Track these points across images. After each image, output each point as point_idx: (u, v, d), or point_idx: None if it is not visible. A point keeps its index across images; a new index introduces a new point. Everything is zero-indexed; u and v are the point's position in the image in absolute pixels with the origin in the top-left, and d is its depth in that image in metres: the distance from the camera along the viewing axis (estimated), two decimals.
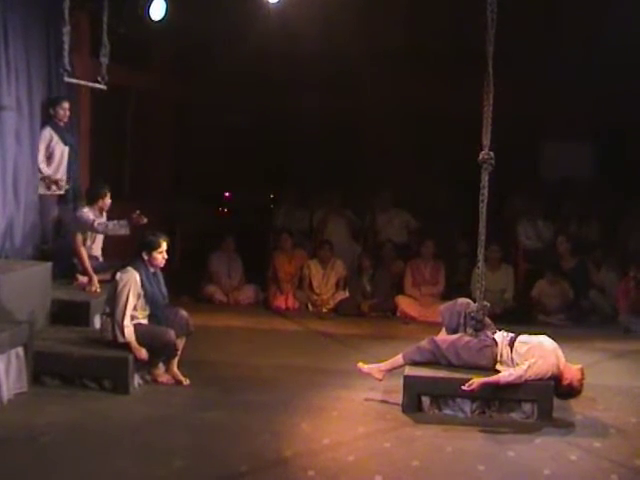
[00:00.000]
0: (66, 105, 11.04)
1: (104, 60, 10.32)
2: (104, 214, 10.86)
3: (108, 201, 10.84)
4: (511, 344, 8.25)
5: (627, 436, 7.73)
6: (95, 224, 10.53)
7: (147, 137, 14.84)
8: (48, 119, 10.96)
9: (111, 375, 8.44)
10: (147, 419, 7.72)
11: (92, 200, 10.78)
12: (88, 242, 10.70)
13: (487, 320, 8.55)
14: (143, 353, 8.51)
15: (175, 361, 8.83)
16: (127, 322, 8.50)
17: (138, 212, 10.36)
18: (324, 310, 13.30)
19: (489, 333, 8.44)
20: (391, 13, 13.60)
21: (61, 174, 11.14)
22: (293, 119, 15.12)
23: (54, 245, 11.00)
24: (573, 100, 14.58)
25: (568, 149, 15.59)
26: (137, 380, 8.64)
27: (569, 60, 13.71)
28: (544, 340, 8.29)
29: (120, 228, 10.45)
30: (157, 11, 11.67)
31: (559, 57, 13.78)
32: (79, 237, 10.52)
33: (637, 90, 13.39)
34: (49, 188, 10.98)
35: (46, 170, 10.93)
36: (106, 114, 13.07)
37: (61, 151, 11.09)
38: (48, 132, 10.96)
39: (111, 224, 10.56)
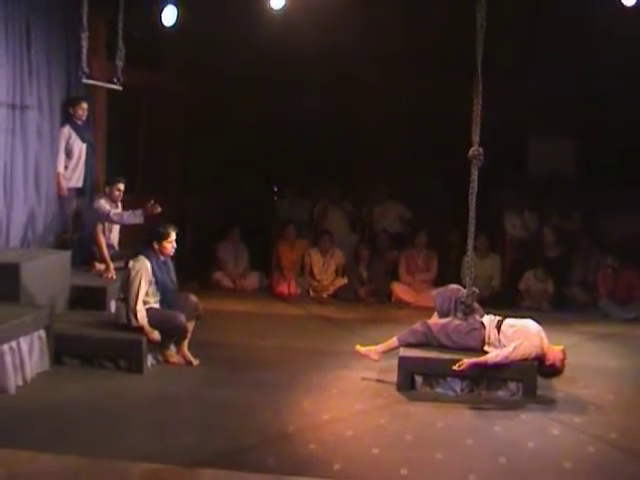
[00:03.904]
0: (85, 105, 11.07)
1: (119, 63, 10.33)
2: (119, 205, 10.90)
3: (121, 189, 10.88)
4: (498, 327, 8.29)
5: (604, 412, 7.79)
6: (111, 214, 10.59)
7: (159, 134, 14.82)
8: (67, 118, 10.98)
9: (126, 356, 8.49)
10: (159, 397, 7.77)
11: (106, 187, 10.88)
12: (106, 232, 10.75)
13: (476, 305, 8.59)
14: (155, 335, 8.55)
15: (185, 343, 8.87)
16: (140, 307, 8.54)
17: (152, 202, 10.41)
18: (324, 296, 13.31)
19: (478, 317, 8.49)
20: (388, 18, 13.61)
21: (80, 170, 11.17)
22: (296, 118, 15.08)
23: (74, 235, 11.04)
24: (558, 99, 14.55)
25: (553, 145, 15.57)
26: (150, 360, 8.68)
27: (556, 60, 13.66)
28: (529, 323, 8.33)
29: (135, 217, 10.50)
30: (169, 17, 11.68)
31: (547, 57, 13.74)
32: (99, 227, 10.59)
33: (619, 90, 13.38)
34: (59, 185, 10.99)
35: (61, 168, 10.95)
36: (121, 113, 13.06)
37: (79, 148, 11.10)
38: (67, 130, 10.98)
39: (126, 214, 10.62)
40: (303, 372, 8.71)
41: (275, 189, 15.94)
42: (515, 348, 7.98)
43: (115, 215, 10.63)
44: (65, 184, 10.96)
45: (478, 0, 8.29)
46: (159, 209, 10.37)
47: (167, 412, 7.33)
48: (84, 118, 11.14)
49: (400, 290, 13.16)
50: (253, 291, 13.57)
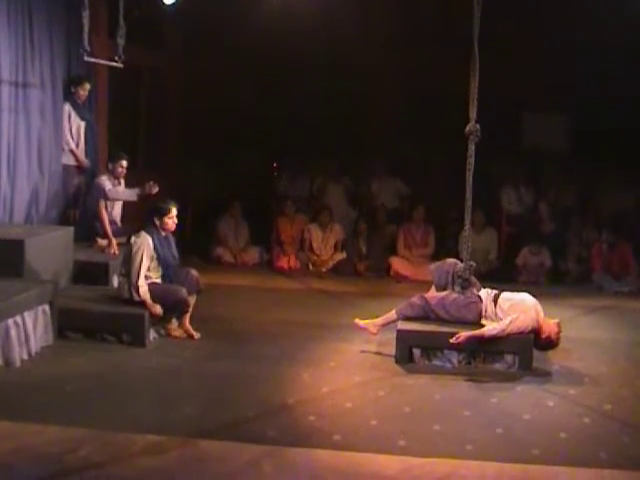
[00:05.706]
0: (87, 86, 11.10)
1: (120, 41, 10.26)
2: (122, 182, 10.89)
3: (124, 165, 10.87)
4: (495, 300, 8.29)
5: (598, 384, 7.81)
6: (107, 190, 10.60)
7: (160, 111, 14.78)
8: (67, 96, 10.96)
9: (129, 329, 8.49)
10: (161, 370, 7.78)
11: (109, 164, 10.88)
12: (109, 208, 10.75)
13: (473, 278, 8.59)
14: (157, 309, 8.55)
15: (187, 317, 8.87)
16: (142, 282, 8.53)
17: (152, 182, 10.43)
18: (323, 270, 13.32)
19: (475, 290, 8.48)
20: None
21: (81, 147, 11.17)
22: (295, 95, 15.03)
23: (76, 211, 11.03)
24: (554, 75, 14.49)
25: (548, 120, 15.53)
26: (152, 334, 8.68)
27: (552, 36, 13.58)
28: (525, 297, 8.33)
29: (130, 195, 10.59)
30: None
31: (543, 33, 13.67)
32: (102, 203, 10.60)
33: (613, 66, 13.32)
34: (77, 160, 11.04)
35: (71, 144, 10.97)
36: (122, 90, 13.03)
37: (77, 126, 11.11)
38: (67, 108, 10.98)
39: (122, 191, 10.66)
40: (303, 345, 8.73)
41: (274, 165, 15.90)
42: (511, 321, 7.99)
43: (111, 192, 10.64)
44: (80, 157, 11.05)
45: None
46: (157, 189, 10.40)
47: (169, 385, 7.35)
48: (84, 98, 11.14)
49: (398, 264, 13.16)
50: (254, 266, 13.55)
